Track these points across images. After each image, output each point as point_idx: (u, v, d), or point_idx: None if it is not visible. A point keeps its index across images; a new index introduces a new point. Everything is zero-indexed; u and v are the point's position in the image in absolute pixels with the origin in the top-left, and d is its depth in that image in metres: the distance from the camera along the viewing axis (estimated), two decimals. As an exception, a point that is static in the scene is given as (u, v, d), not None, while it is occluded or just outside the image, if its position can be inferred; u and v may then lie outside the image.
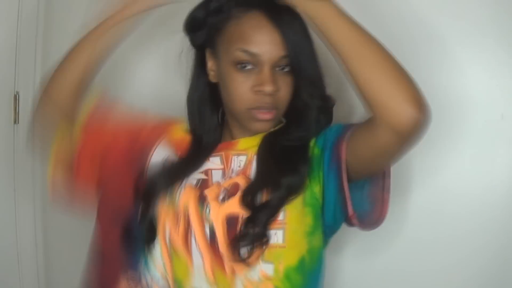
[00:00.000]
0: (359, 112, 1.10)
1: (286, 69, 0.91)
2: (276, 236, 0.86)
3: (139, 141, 1.02)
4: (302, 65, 0.90)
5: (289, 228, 0.87)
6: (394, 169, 1.10)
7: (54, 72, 1.01)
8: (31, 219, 1.45)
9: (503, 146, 1.04)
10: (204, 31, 0.94)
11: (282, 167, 0.90)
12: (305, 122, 0.94)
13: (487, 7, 1.03)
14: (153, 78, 1.31)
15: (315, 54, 0.92)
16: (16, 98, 1.40)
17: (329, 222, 0.91)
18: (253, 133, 0.95)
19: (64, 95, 0.99)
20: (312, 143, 0.93)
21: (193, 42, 0.98)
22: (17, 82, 1.41)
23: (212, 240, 0.88)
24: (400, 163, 1.09)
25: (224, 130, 1.01)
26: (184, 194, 0.92)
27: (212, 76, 0.96)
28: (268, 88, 0.88)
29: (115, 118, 1.04)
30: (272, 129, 0.95)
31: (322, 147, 0.91)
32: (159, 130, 1.03)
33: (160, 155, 1.00)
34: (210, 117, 1.01)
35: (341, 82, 0.97)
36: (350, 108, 1.08)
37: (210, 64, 0.96)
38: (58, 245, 1.46)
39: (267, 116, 0.90)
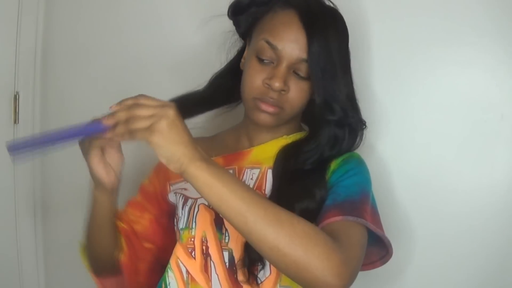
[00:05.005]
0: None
1: (303, 75, 0.89)
2: None
3: (159, 197, 1.02)
4: (321, 75, 0.87)
5: None
6: (394, 169, 1.10)
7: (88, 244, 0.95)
8: (31, 220, 1.45)
9: (503, 146, 1.04)
10: (245, 17, 0.95)
11: (298, 191, 0.86)
12: (321, 134, 0.92)
13: (487, 7, 1.03)
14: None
15: (339, 68, 0.89)
16: (16, 98, 1.41)
17: None
18: (259, 127, 0.94)
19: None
20: (332, 165, 0.90)
21: (237, 30, 0.99)
22: (17, 82, 1.41)
23: (230, 267, 0.87)
24: (400, 162, 1.10)
25: (242, 134, 1.00)
26: (200, 218, 0.91)
27: (242, 64, 0.98)
28: (276, 84, 0.87)
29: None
30: (290, 140, 0.95)
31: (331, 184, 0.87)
32: (162, 174, 1.02)
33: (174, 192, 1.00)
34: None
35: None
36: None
37: (245, 53, 0.97)
38: (58, 247, 1.46)
39: (269, 108, 0.89)
